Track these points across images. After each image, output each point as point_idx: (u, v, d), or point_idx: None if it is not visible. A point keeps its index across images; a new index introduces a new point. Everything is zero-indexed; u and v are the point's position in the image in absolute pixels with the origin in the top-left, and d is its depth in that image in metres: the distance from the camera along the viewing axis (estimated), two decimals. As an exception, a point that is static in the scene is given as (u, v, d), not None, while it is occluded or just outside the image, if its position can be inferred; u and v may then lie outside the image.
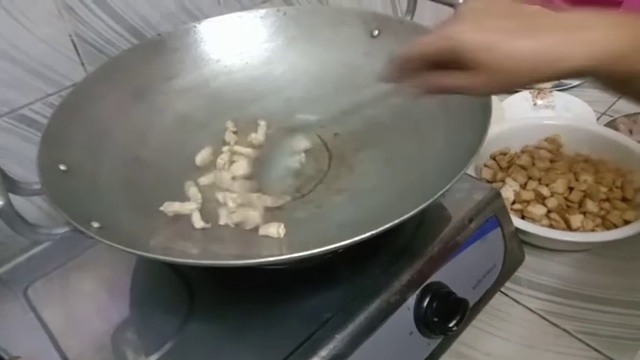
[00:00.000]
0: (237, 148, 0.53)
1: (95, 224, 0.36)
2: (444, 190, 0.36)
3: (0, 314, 0.44)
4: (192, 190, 0.48)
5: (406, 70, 0.36)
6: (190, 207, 0.45)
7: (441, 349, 0.46)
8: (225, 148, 0.53)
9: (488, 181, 0.65)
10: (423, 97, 0.37)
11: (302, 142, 0.53)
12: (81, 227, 0.34)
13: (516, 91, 0.86)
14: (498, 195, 0.52)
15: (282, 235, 0.42)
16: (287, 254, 0.34)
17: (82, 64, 0.58)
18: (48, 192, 0.37)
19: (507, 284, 0.54)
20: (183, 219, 0.44)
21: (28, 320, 0.43)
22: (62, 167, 0.41)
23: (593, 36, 0.31)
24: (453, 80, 0.33)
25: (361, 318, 0.41)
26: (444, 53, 0.32)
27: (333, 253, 0.34)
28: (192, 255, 0.39)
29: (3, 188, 0.32)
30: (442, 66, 0.33)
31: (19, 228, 0.33)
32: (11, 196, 0.34)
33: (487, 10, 0.32)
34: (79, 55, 0.57)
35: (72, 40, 0.56)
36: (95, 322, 0.43)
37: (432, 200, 0.36)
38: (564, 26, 0.31)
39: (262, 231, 0.43)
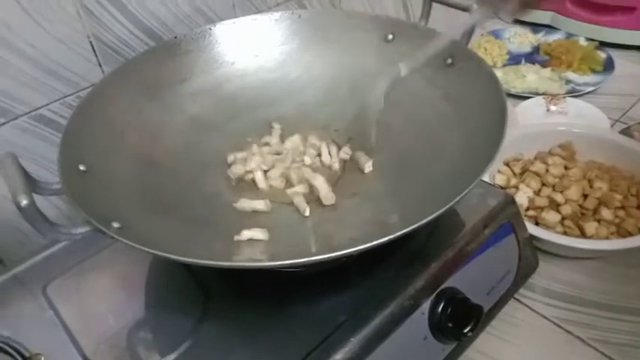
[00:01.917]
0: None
1: (115, 224, 0.36)
2: (461, 195, 0.36)
3: (20, 312, 0.45)
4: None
5: None
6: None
7: (455, 354, 0.46)
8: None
9: (501, 188, 0.65)
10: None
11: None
12: (102, 227, 0.34)
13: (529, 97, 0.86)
14: (513, 201, 0.52)
15: (267, 239, 0.43)
16: (301, 258, 0.34)
17: (100, 65, 0.59)
18: (69, 192, 0.37)
19: (521, 291, 0.54)
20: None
21: (48, 318, 0.44)
22: (82, 167, 0.41)
23: None
24: None
25: (376, 322, 0.41)
26: None
27: (347, 257, 0.35)
28: (206, 256, 0.39)
29: (27, 188, 0.33)
30: None
31: (42, 227, 0.33)
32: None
33: None
34: (96, 56, 0.58)
35: (90, 42, 0.57)
36: (112, 320, 0.44)
37: (449, 206, 0.36)
38: None
39: (247, 235, 0.43)
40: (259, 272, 0.44)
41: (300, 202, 0.47)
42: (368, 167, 0.50)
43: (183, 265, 0.47)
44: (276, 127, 0.56)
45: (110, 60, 0.59)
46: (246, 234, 0.43)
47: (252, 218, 0.47)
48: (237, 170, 0.50)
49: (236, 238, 0.43)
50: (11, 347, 0.39)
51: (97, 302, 0.46)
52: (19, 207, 0.32)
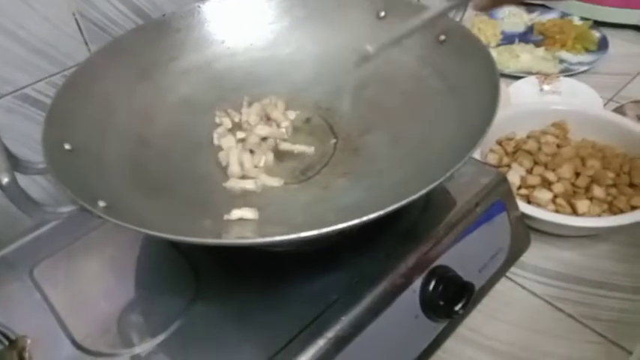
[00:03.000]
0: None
1: (102, 203, 0.35)
2: (451, 172, 0.36)
3: (6, 295, 0.44)
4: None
5: None
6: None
7: (446, 332, 0.46)
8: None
9: (494, 166, 0.65)
10: None
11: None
12: (87, 205, 0.33)
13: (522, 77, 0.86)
14: (504, 179, 0.52)
15: (256, 218, 0.43)
16: (293, 234, 0.34)
17: (86, 43, 0.57)
18: (53, 171, 0.36)
19: (513, 269, 0.54)
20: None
21: (35, 301, 0.43)
22: (67, 146, 0.41)
23: None
24: None
25: (367, 300, 0.40)
26: None
27: (339, 235, 0.34)
28: (196, 233, 0.39)
29: (8, 165, 0.32)
30: None
31: (25, 206, 0.33)
32: (16, 175, 0.34)
33: None
34: (82, 34, 0.57)
35: (75, 19, 0.56)
36: (101, 302, 0.43)
37: (438, 182, 0.35)
38: None
39: (237, 214, 0.43)
40: (250, 251, 0.44)
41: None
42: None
43: (173, 245, 0.47)
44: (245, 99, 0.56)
45: (97, 38, 0.58)
46: (236, 213, 0.42)
47: (243, 198, 0.47)
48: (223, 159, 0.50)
49: (225, 217, 0.42)
50: (-3, 330, 0.39)
51: (85, 284, 0.45)
52: (0, 185, 0.31)
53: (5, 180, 0.31)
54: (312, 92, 0.57)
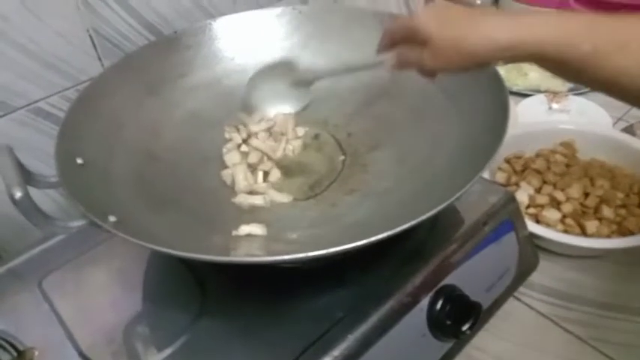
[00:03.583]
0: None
1: (112, 218, 0.36)
2: (462, 191, 0.36)
3: (15, 305, 0.44)
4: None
5: (389, 43, 0.45)
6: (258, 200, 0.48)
7: (453, 352, 0.46)
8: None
9: (502, 185, 0.65)
10: (397, 69, 0.44)
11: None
12: (98, 220, 0.34)
13: (529, 95, 0.86)
14: (513, 198, 0.52)
15: (265, 234, 0.43)
16: (300, 253, 0.34)
17: (100, 59, 0.58)
18: (65, 185, 0.37)
19: (520, 289, 0.54)
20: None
21: (43, 312, 0.43)
22: (79, 161, 0.41)
23: (527, 21, 0.37)
24: (412, 54, 0.42)
25: (374, 318, 0.40)
26: (409, 30, 0.42)
27: (346, 252, 0.34)
28: (205, 251, 0.39)
29: (22, 180, 0.32)
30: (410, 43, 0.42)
31: (37, 220, 0.33)
32: (28, 188, 0.34)
33: (447, 6, 0.40)
34: (96, 49, 0.58)
35: (89, 35, 0.57)
36: (109, 315, 0.43)
37: (448, 202, 0.35)
38: (498, 18, 0.38)
39: (245, 230, 0.43)
40: (257, 267, 0.44)
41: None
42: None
43: (180, 260, 0.47)
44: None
45: (110, 54, 0.59)
46: (245, 229, 0.43)
47: (251, 213, 0.47)
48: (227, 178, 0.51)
49: (234, 233, 0.43)
50: (4, 340, 0.39)
51: (93, 296, 0.45)
52: (12, 199, 0.31)
53: (18, 194, 0.31)
54: (320, 108, 0.58)
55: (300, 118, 0.57)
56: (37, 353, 0.37)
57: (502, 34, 0.37)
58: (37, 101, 0.55)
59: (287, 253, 0.34)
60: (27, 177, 0.36)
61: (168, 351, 0.40)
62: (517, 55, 0.37)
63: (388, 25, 0.45)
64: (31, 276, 0.47)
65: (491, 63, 0.41)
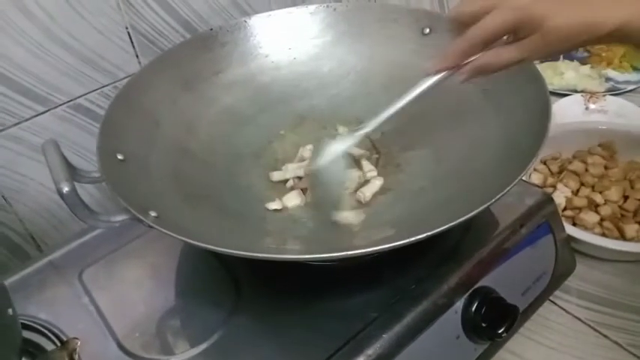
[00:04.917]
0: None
1: (153, 213, 0.36)
2: (502, 194, 0.35)
3: (56, 297, 0.46)
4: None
5: (466, 54, 0.39)
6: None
7: (487, 355, 0.45)
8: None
9: (539, 187, 0.63)
10: (474, 77, 0.40)
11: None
12: (140, 216, 0.34)
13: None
14: (551, 200, 0.51)
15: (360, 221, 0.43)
16: (335, 252, 0.34)
17: (137, 56, 0.59)
18: (108, 181, 0.38)
19: (557, 293, 0.53)
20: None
21: (83, 304, 0.45)
22: (120, 157, 0.42)
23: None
24: (506, 53, 0.37)
25: (408, 319, 0.40)
26: (509, 25, 0.36)
27: (379, 253, 0.34)
28: (243, 247, 0.39)
29: (68, 175, 0.33)
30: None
31: (82, 214, 0.34)
32: (73, 183, 0.35)
33: None
34: (134, 47, 0.59)
35: (128, 32, 0.58)
36: (146, 308, 0.44)
37: (489, 204, 0.35)
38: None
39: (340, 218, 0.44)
40: (291, 265, 0.44)
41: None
42: (369, 193, 0.48)
43: (213, 255, 0.47)
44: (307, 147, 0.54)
45: (146, 51, 0.60)
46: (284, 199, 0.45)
47: (285, 211, 0.47)
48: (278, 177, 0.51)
49: (271, 206, 0.45)
50: (49, 331, 0.40)
51: (131, 290, 0.46)
52: (60, 194, 0.32)
53: (66, 189, 0.32)
54: (353, 107, 0.58)
55: (332, 115, 0.57)
56: (79, 343, 0.38)
57: (621, 11, 0.33)
58: (77, 97, 0.56)
59: (321, 252, 0.34)
60: (72, 172, 0.37)
61: (202, 346, 0.41)
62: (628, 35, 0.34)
63: (462, 32, 0.38)
64: (70, 268, 0.48)
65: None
